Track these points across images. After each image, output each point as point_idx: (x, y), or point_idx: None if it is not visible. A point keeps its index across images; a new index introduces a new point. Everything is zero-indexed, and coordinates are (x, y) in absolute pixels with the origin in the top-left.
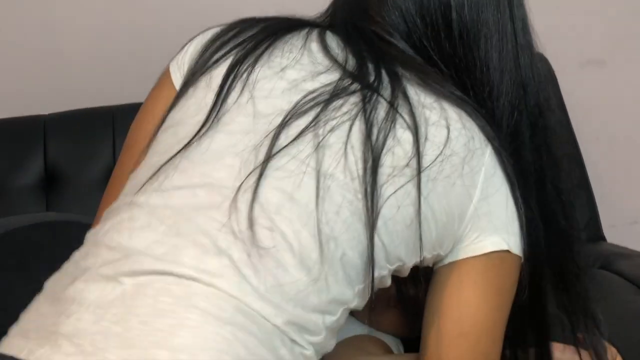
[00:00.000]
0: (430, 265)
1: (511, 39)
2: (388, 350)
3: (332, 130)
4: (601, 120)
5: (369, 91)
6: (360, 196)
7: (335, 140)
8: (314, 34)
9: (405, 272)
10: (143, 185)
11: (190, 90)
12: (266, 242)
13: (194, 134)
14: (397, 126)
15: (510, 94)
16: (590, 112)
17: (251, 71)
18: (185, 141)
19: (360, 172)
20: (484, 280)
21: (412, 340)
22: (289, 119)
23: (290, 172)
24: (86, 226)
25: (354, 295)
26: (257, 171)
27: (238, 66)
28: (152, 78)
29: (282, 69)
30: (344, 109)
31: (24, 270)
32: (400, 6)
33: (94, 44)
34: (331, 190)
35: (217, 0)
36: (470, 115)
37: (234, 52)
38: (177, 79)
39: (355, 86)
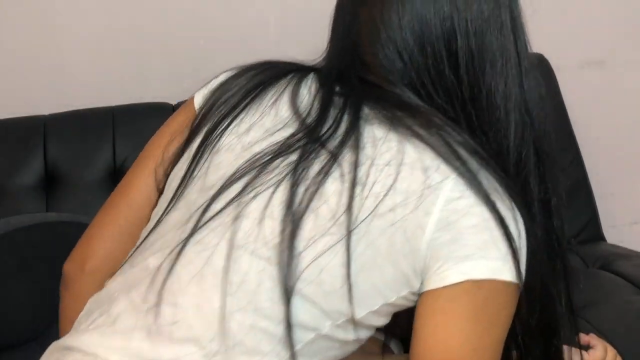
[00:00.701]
0: (415, 300)
1: (515, 64)
2: (388, 350)
3: (255, 197)
4: (601, 120)
5: (312, 145)
6: (274, 261)
7: (255, 207)
8: (294, 81)
9: (378, 322)
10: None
11: (181, 161)
12: (167, 318)
13: (164, 209)
14: (329, 180)
15: (518, 119)
16: (590, 112)
17: (220, 138)
18: (157, 218)
19: (277, 239)
20: (454, 308)
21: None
22: (223, 189)
23: (206, 246)
24: (86, 226)
25: None
26: (178, 248)
27: (212, 133)
28: (152, 78)
29: (247, 130)
30: (277, 170)
31: (24, 270)
32: (395, 40)
33: (94, 44)
34: (241, 260)
35: (216, 2)
36: (435, 149)
37: (220, 109)
38: (199, 108)
39: (302, 142)
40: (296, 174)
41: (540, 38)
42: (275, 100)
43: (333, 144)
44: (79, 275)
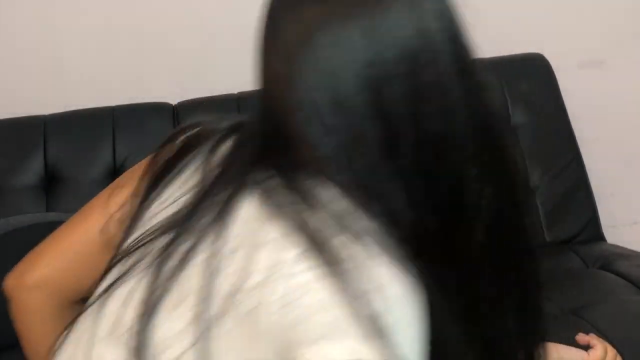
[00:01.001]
0: None
1: (454, 93)
2: None
3: (121, 285)
4: (601, 120)
5: (187, 223)
6: (128, 352)
7: (114, 302)
8: (217, 144)
9: None
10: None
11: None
12: None
13: None
14: (189, 267)
15: (475, 146)
16: (590, 112)
17: (149, 207)
18: None
19: (132, 329)
20: None
21: None
22: (109, 269)
23: (77, 331)
24: None
25: None
26: (67, 331)
27: (145, 201)
28: (152, 78)
29: (162, 202)
30: (154, 251)
31: None
32: (304, 101)
33: (94, 44)
34: (98, 348)
35: (216, 2)
36: (298, 226)
37: (159, 174)
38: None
39: (182, 219)
40: (164, 257)
41: (540, 38)
42: (198, 167)
43: (205, 221)
44: (18, 289)
